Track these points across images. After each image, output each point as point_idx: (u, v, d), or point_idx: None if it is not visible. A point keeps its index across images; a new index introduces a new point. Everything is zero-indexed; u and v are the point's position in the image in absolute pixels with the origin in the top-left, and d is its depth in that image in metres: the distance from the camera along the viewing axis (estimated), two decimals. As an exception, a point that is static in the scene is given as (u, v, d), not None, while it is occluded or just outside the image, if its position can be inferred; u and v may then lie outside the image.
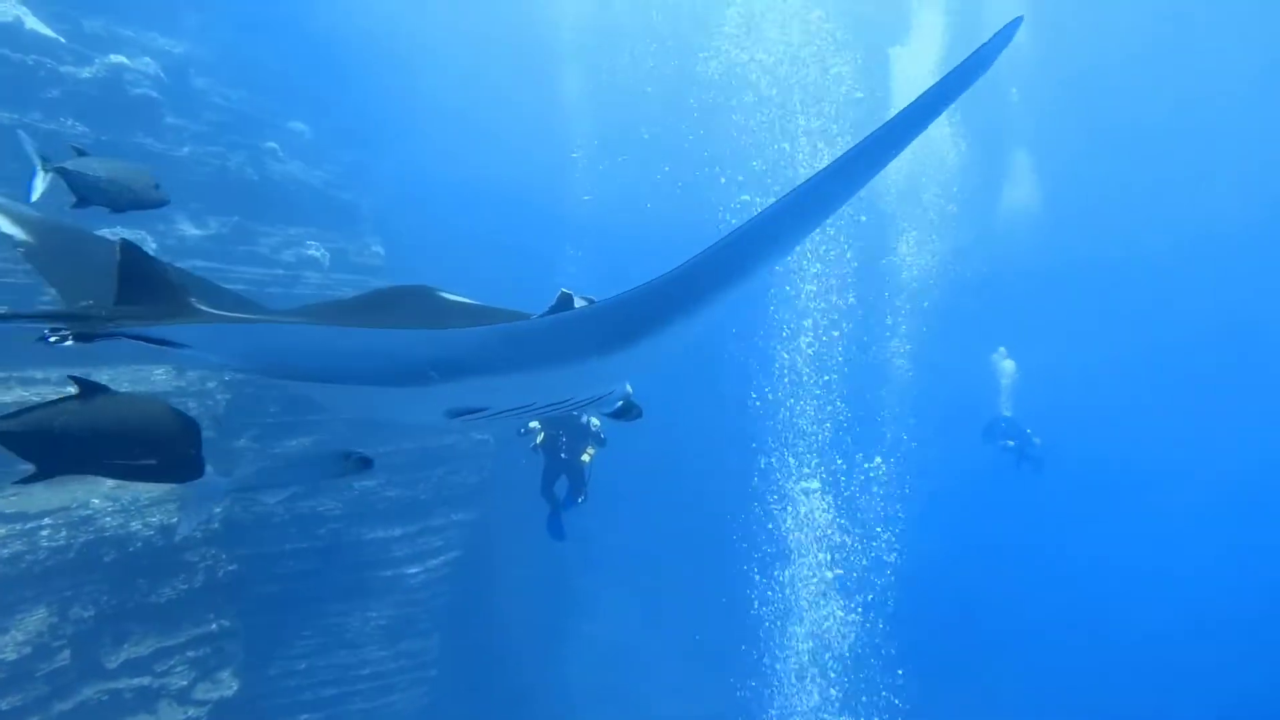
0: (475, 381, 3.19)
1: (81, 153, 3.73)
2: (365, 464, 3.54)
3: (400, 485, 11.07)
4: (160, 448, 2.52)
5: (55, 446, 2.34)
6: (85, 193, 3.65)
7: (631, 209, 18.74)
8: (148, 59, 9.95)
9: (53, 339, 2.56)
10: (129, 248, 2.64)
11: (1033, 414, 15.86)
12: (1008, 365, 17.89)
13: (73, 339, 2.54)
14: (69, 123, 8.96)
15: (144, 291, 2.69)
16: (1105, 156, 23.85)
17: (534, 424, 7.73)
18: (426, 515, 11.39)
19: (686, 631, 17.06)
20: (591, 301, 3.05)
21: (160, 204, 3.83)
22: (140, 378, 8.17)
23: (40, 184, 3.72)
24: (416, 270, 14.16)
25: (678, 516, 18.00)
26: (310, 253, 10.98)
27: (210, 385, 8.64)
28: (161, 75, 10.06)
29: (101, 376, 7.72)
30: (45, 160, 3.68)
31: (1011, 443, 14.62)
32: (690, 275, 2.53)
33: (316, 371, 3.39)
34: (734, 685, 15.81)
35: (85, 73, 9.30)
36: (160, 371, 8.40)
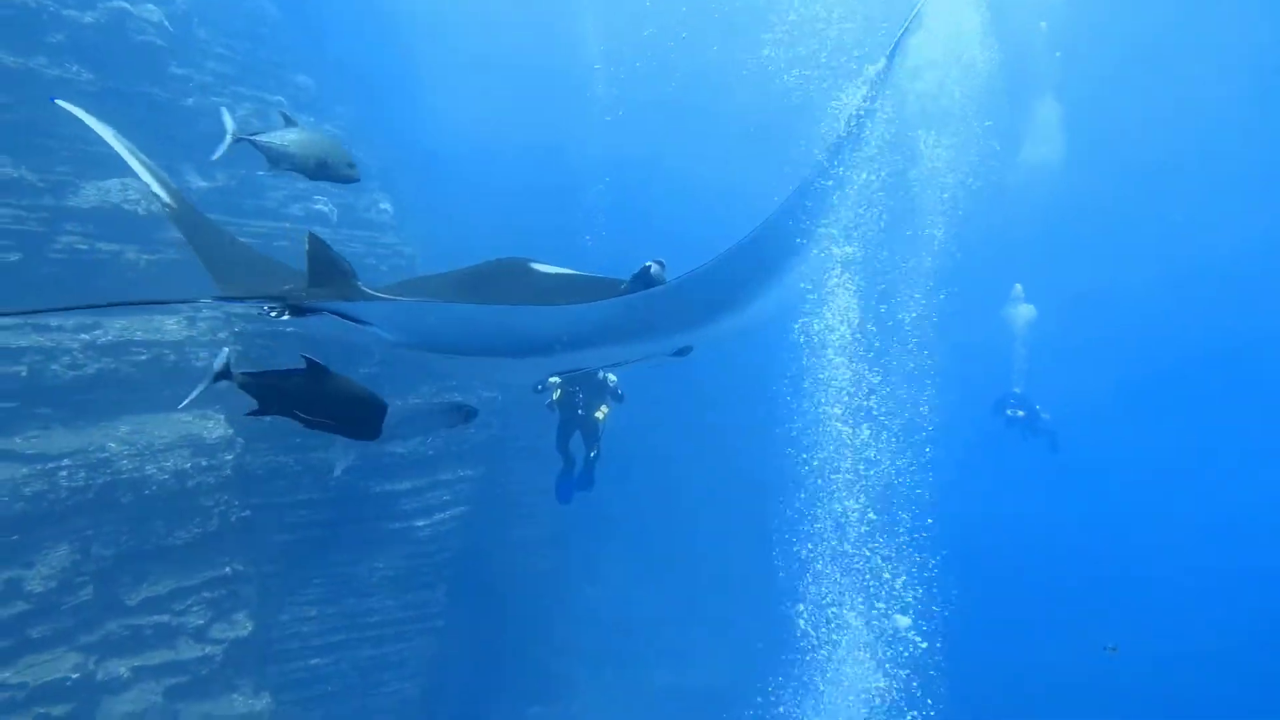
0: (593, 349, 3.55)
1: (289, 120, 4.16)
2: (471, 415, 4.00)
3: (409, 440, 11.19)
4: (354, 413, 3.46)
5: (278, 395, 3.26)
6: (277, 158, 4.05)
7: (649, 164, 18.54)
8: (151, 5, 9.84)
9: (272, 314, 3.19)
10: (315, 240, 3.24)
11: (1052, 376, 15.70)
12: (1025, 311, 17.49)
13: (288, 313, 3.20)
14: (74, 69, 8.91)
15: (329, 275, 3.30)
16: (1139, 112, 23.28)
17: (553, 379, 7.77)
18: (434, 470, 11.54)
19: (689, 600, 17.35)
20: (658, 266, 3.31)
21: (351, 180, 4.13)
22: (152, 328, 8.25)
23: (224, 148, 4.16)
24: (425, 227, 14.17)
25: (689, 483, 18.14)
26: (318, 207, 10.98)
27: (221, 335, 8.71)
28: (165, 23, 9.97)
29: (115, 325, 7.83)
30: (239, 129, 4.12)
31: (1021, 413, 14.76)
32: (774, 235, 2.77)
33: (469, 346, 3.75)
34: (735, 655, 16.17)
35: (88, 17, 9.21)
36: (172, 322, 8.49)
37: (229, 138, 3.98)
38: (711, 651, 16.56)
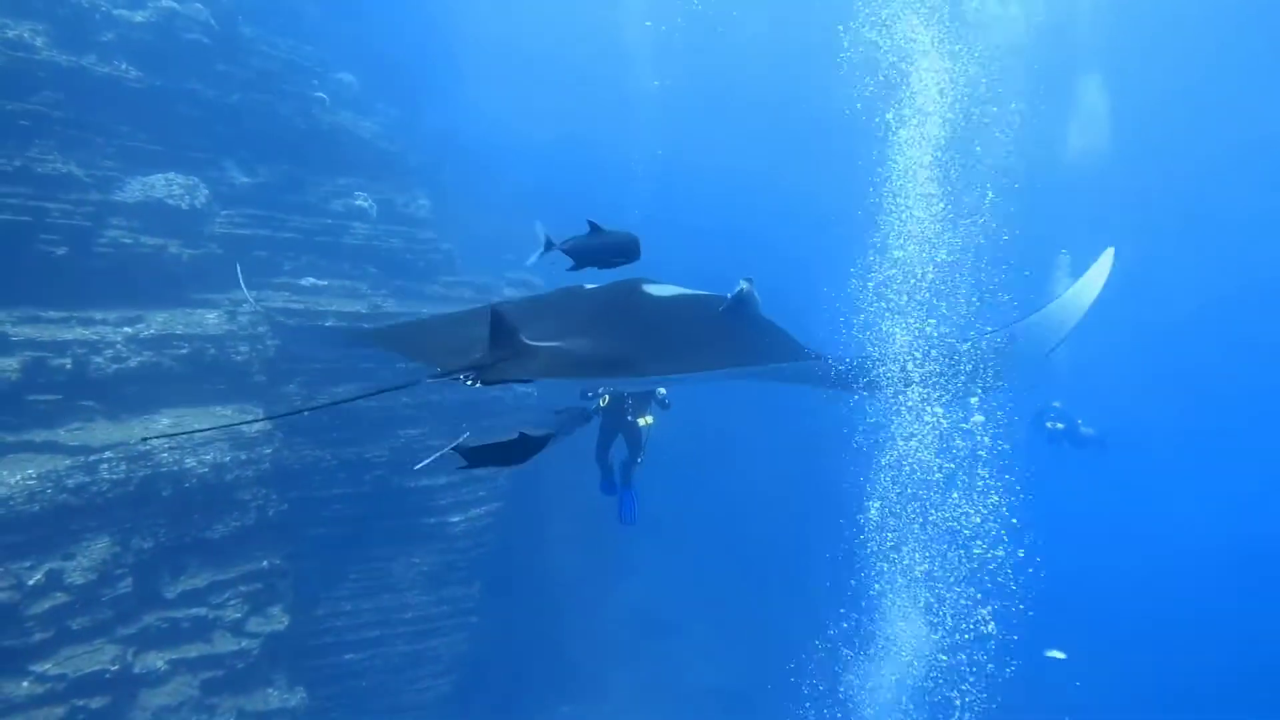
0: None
1: (595, 227, 4.56)
2: (591, 416, 4.48)
3: (444, 435, 11.17)
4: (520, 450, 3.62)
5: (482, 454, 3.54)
6: (580, 261, 4.54)
7: (690, 165, 18.36)
8: (198, 4, 9.95)
9: (469, 382, 3.51)
10: (498, 316, 3.46)
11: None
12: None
13: (480, 383, 3.53)
14: (123, 66, 9.04)
15: (509, 342, 3.54)
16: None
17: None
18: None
19: (724, 600, 17.13)
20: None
21: (635, 259, 4.63)
22: (193, 322, 8.32)
23: (536, 257, 4.63)
24: (463, 223, 14.16)
25: (728, 483, 17.95)
26: (358, 203, 11.01)
27: (261, 330, 8.77)
28: (212, 22, 10.07)
29: (158, 318, 7.90)
30: (549, 241, 4.55)
31: (1061, 425, 14.28)
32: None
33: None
34: (770, 657, 15.88)
35: (138, 17, 9.36)
36: (213, 316, 8.55)
37: (542, 248, 4.62)
38: (746, 653, 16.33)
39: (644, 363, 3.93)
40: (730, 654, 16.44)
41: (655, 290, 4.33)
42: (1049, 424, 14.49)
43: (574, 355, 3.75)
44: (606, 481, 8.25)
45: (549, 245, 4.52)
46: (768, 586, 17.59)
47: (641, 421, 7.50)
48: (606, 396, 7.73)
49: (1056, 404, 15.53)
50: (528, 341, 3.59)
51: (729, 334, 4.00)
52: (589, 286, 4.62)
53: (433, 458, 3.56)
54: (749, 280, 4.05)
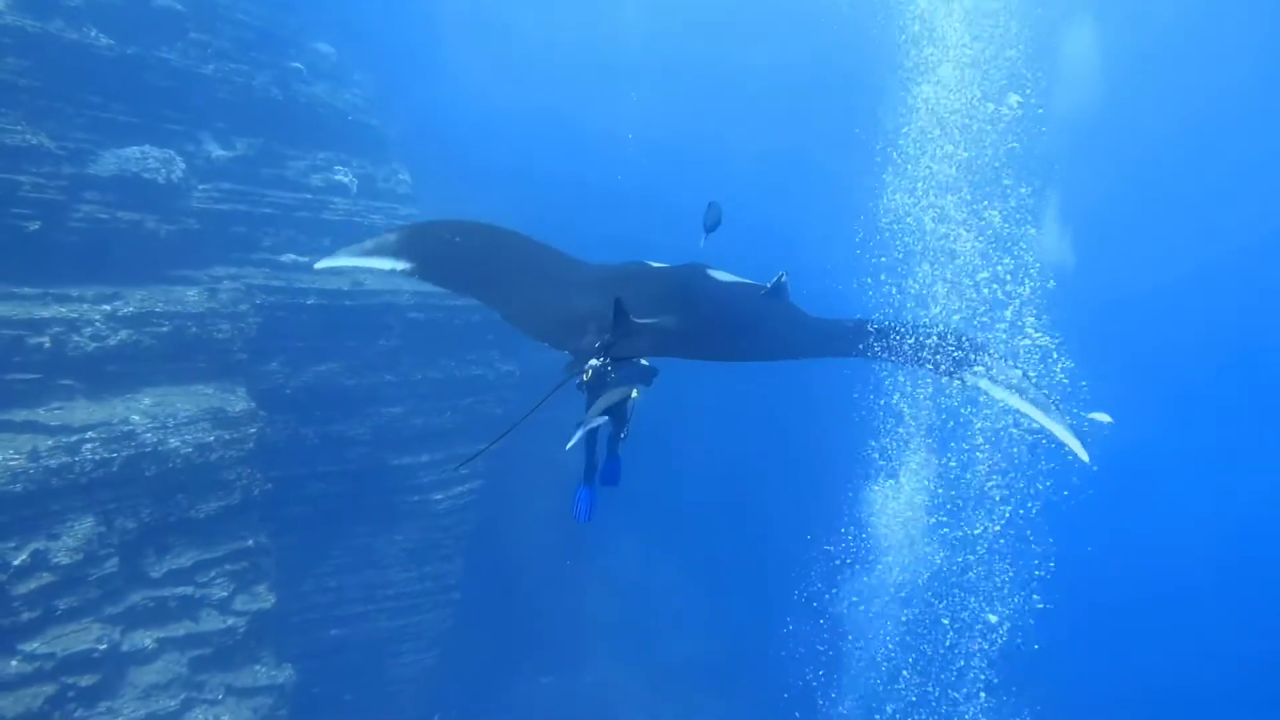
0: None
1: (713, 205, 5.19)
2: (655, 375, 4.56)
3: (426, 413, 11.19)
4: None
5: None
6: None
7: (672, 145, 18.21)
8: (171, -31, 9.64)
9: (595, 361, 3.84)
10: (620, 305, 3.72)
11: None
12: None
13: (606, 363, 3.87)
14: (93, 33, 8.74)
15: (628, 327, 3.83)
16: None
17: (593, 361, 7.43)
18: (451, 443, 11.53)
19: (702, 571, 17.41)
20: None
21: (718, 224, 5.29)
22: (173, 299, 8.18)
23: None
24: (444, 199, 13.99)
25: (705, 456, 18.11)
26: (338, 178, 10.85)
27: (243, 308, 8.66)
28: (184, -12, 9.77)
29: (136, 295, 7.77)
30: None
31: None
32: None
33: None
34: (748, 626, 16.20)
35: (106, -19, 9.04)
36: (193, 293, 8.42)
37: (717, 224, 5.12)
38: (725, 624, 16.67)
39: (730, 345, 4.38)
40: (709, 625, 16.78)
41: (719, 275, 4.70)
42: None
43: (672, 334, 4.08)
44: (589, 473, 8.15)
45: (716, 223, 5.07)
46: (745, 558, 17.91)
47: (634, 393, 7.40)
48: (590, 371, 7.70)
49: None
50: (635, 320, 3.84)
51: (785, 320, 4.48)
52: (655, 265, 4.88)
53: (578, 434, 3.90)
54: (785, 273, 4.50)
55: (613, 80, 19.32)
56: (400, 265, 4.36)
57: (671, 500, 17.78)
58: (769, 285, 4.53)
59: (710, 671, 15.89)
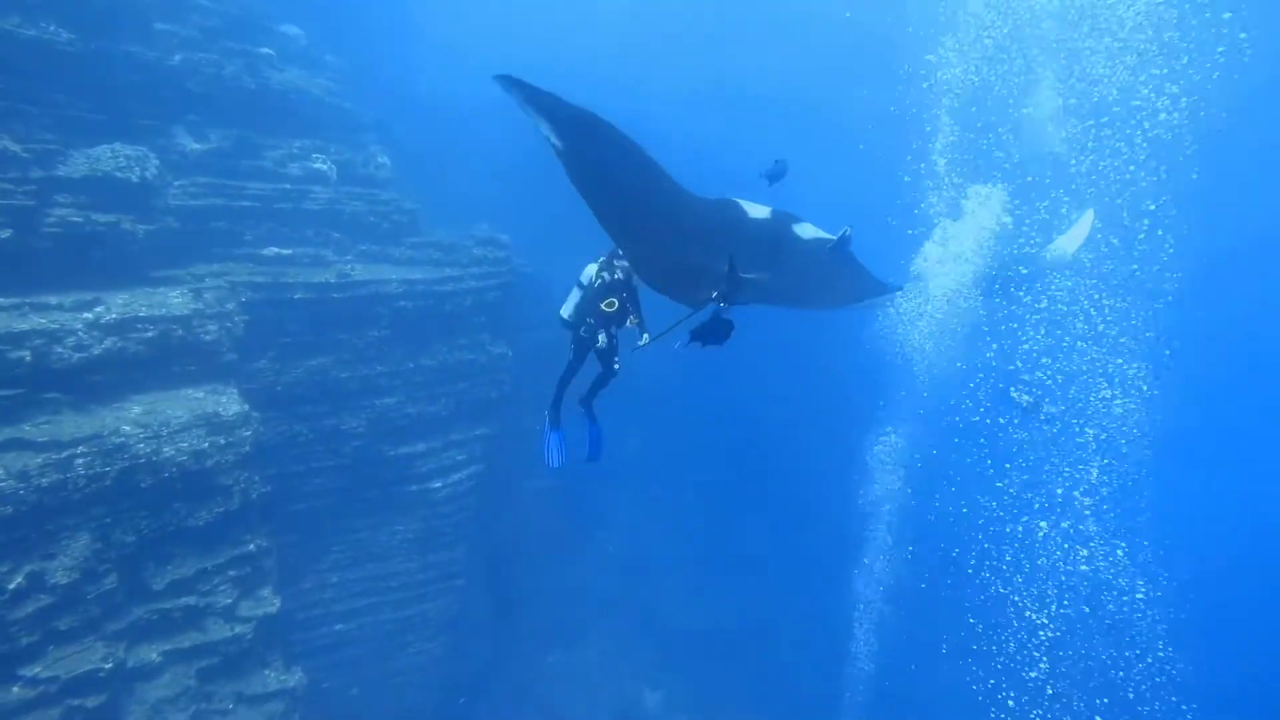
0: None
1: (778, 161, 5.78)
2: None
3: (420, 401, 11.05)
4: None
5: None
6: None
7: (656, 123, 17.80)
8: (129, -45, 9.20)
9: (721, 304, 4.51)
10: (732, 263, 4.34)
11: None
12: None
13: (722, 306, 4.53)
14: (52, 29, 8.34)
15: (736, 280, 4.43)
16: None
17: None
18: (447, 430, 11.43)
19: (699, 543, 17.46)
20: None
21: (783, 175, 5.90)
22: (156, 302, 7.95)
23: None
24: (423, 180, 13.67)
25: (696, 430, 18.06)
26: (317, 166, 10.53)
27: (229, 307, 8.44)
28: (146, -26, 9.34)
29: (118, 300, 7.54)
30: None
31: (1028, 399, 14.20)
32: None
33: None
34: (747, 597, 16.29)
35: (64, -29, 8.61)
36: (176, 294, 8.18)
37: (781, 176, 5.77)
38: (727, 594, 16.80)
39: (809, 296, 5.17)
40: (711, 595, 16.92)
41: (801, 231, 5.26)
42: (1015, 393, 14.41)
43: (768, 288, 4.73)
44: (554, 415, 7.51)
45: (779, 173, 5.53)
46: (744, 526, 17.98)
47: (631, 321, 6.72)
48: (591, 321, 7.11)
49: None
50: (741, 275, 4.43)
51: (850, 271, 5.12)
52: (745, 205, 5.31)
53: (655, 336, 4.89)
54: (849, 228, 5.03)
55: (595, 41, 18.79)
56: (556, 141, 4.57)
57: (665, 470, 17.80)
58: (835, 239, 5.10)
59: (715, 639, 16.06)
